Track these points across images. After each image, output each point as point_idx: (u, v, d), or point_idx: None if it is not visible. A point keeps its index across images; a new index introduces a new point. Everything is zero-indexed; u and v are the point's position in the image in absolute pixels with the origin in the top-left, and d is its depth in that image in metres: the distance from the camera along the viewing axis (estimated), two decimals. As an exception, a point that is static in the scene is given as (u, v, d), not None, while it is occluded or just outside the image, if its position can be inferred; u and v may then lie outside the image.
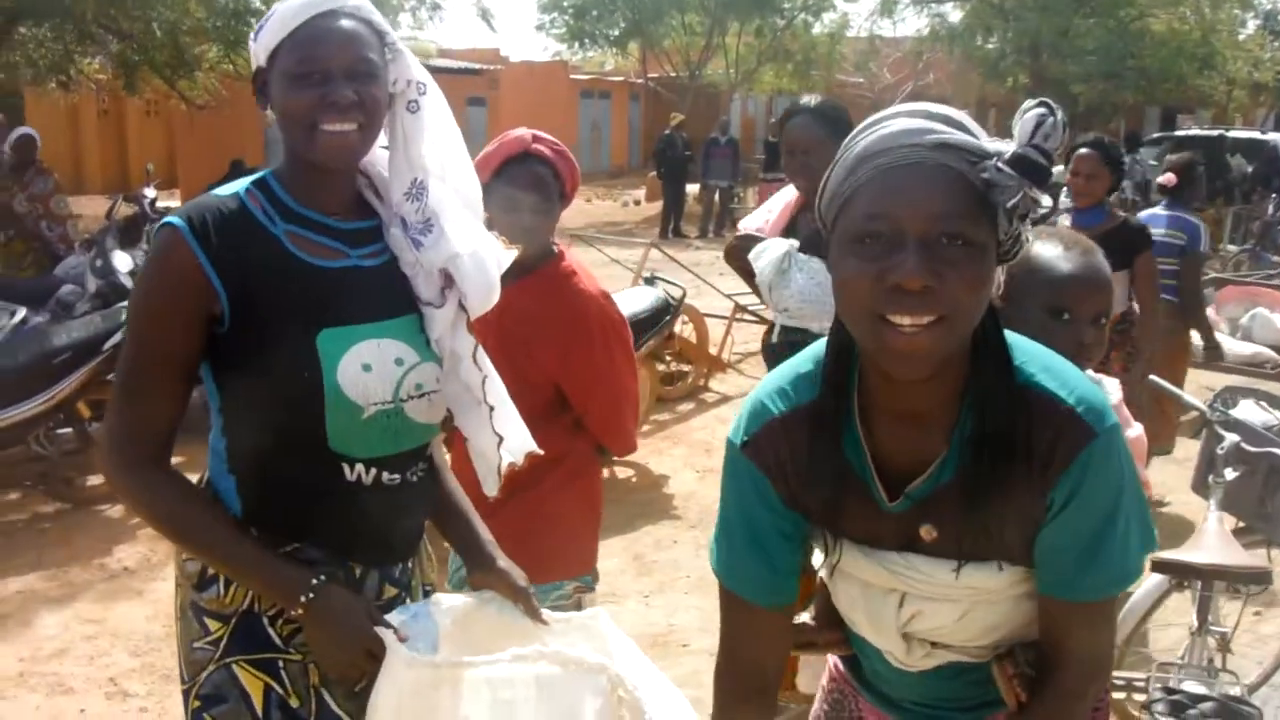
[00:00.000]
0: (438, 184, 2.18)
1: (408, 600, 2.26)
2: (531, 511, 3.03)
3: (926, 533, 1.74)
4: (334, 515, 2.12)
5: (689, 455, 7.71)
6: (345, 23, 2.05)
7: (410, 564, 2.31)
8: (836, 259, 1.61)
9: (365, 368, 2.05)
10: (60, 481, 6.49)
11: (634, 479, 7.34)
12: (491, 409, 2.30)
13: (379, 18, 2.12)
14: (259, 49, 2.09)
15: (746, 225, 4.31)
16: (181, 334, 2.02)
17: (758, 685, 1.96)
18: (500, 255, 2.29)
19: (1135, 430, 2.35)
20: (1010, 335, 1.70)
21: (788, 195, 4.19)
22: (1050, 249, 2.25)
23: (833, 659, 2.19)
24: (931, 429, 1.69)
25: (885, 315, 1.53)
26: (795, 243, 3.91)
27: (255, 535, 2.08)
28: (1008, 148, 1.55)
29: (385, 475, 2.14)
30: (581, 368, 3.10)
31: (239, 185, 2.12)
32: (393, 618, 2.11)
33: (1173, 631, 4.10)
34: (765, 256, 3.94)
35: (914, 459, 1.71)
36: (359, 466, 2.11)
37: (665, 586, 5.67)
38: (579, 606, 2.84)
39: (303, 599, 2.03)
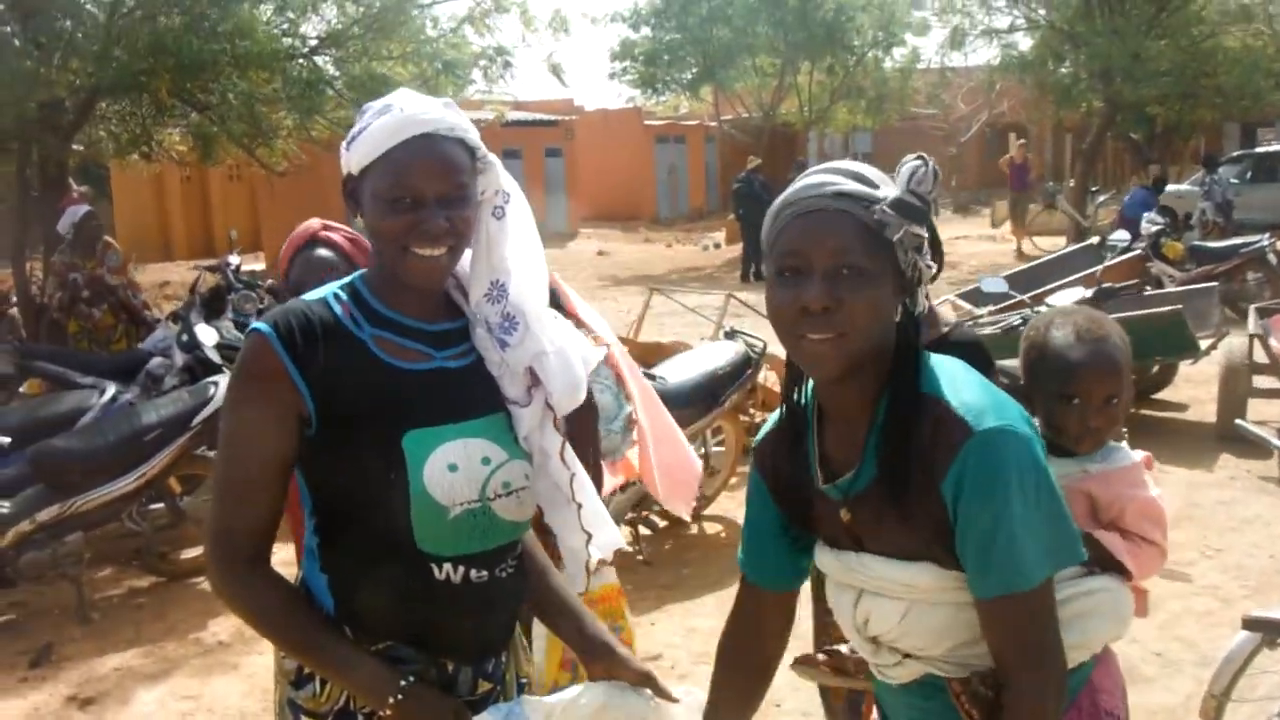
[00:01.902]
0: (518, 285, 2.20)
1: (501, 694, 2.27)
2: None
3: (844, 514, 2.02)
4: (424, 614, 2.13)
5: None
6: (439, 147, 2.07)
7: (504, 658, 2.31)
8: (768, 289, 1.97)
9: (451, 468, 2.07)
10: (154, 556, 6.62)
11: (723, 534, 7.32)
12: (580, 506, 2.31)
13: (473, 135, 2.14)
14: (350, 160, 2.12)
15: None
16: (273, 437, 2.06)
17: (757, 662, 2.36)
18: (587, 352, 2.29)
19: (1155, 491, 2.38)
20: (937, 357, 2.00)
21: None
22: (1062, 336, 2.39)
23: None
24: (856, 432, 2.00)
25: (799, 332, 1.91)
26: None
27: (348, 634, 2.11)
28: (892, 194, 1.90)
29: (474, 573, 2.15)
30: None
31: (327, 290, 2.17)
32: (483, 718, 2.11)
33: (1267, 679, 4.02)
34: None
35: (848, 462, 2.02)
36: (447, 566, 2.12)
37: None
38: None
39: (391, 699, 2.05)
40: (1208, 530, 7.13)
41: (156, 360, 7.60)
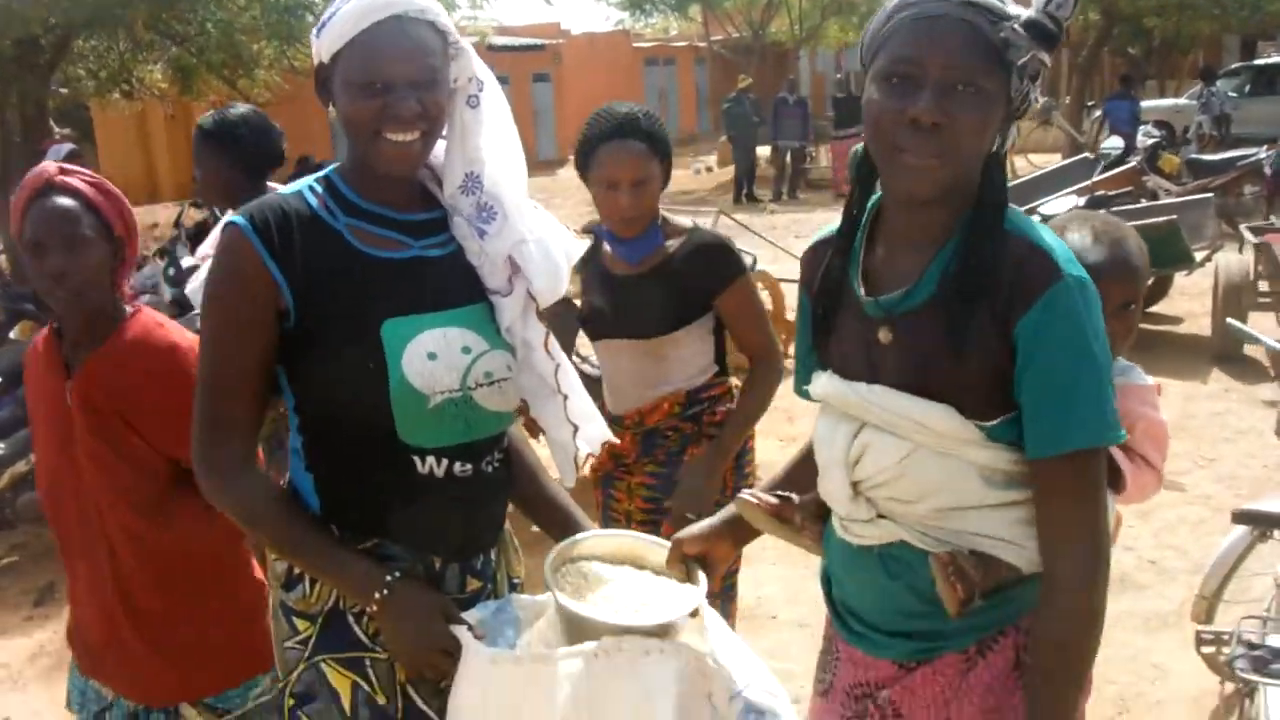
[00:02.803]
0: (494, 175, 2.17)
1: (492, 593, 2.28)
2: (196, 618, 2.70)
3: (884, 335, 1.90)
4: (409, 509, 2.13)
5: (770, 424, 7.39)
6: (409, 29, 2.03)
7: (493, 556, 2.31)
8: (869, 93, 1.84)
9: (430, 356, 2.06)
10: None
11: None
12: (566, 398, 2.30)
13: (443, 18, 2.10)
14: (321, 47, 2.08)
15: None
16: (252, 332, 2.05)
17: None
18: (568, 243, 2.26)
19: (1160, 416, 2.35)
20: (1014, 206, 1.87)
21: None
22: (1079, 238, 2.32)
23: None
24: (921, 254, 1.87)
25: (899, 144, 1.78)
26: None
27: (334, 533, 2.11)
28: (1024, 13, 1.75)
29: (458, 466, 2.14)
30: None
31: (302, 183, 2.15)
32: (471, 615, 2.13)
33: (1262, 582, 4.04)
34: None
35: (898, 281, 1.90)
36: (430, 459, 2.11)
37: (752, 559, 5.56)
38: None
39: (377, 595, 2.05)
40: (1201, 441, 7.17)
41: (145, 298, 7.54)
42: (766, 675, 2.18)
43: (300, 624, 2.17)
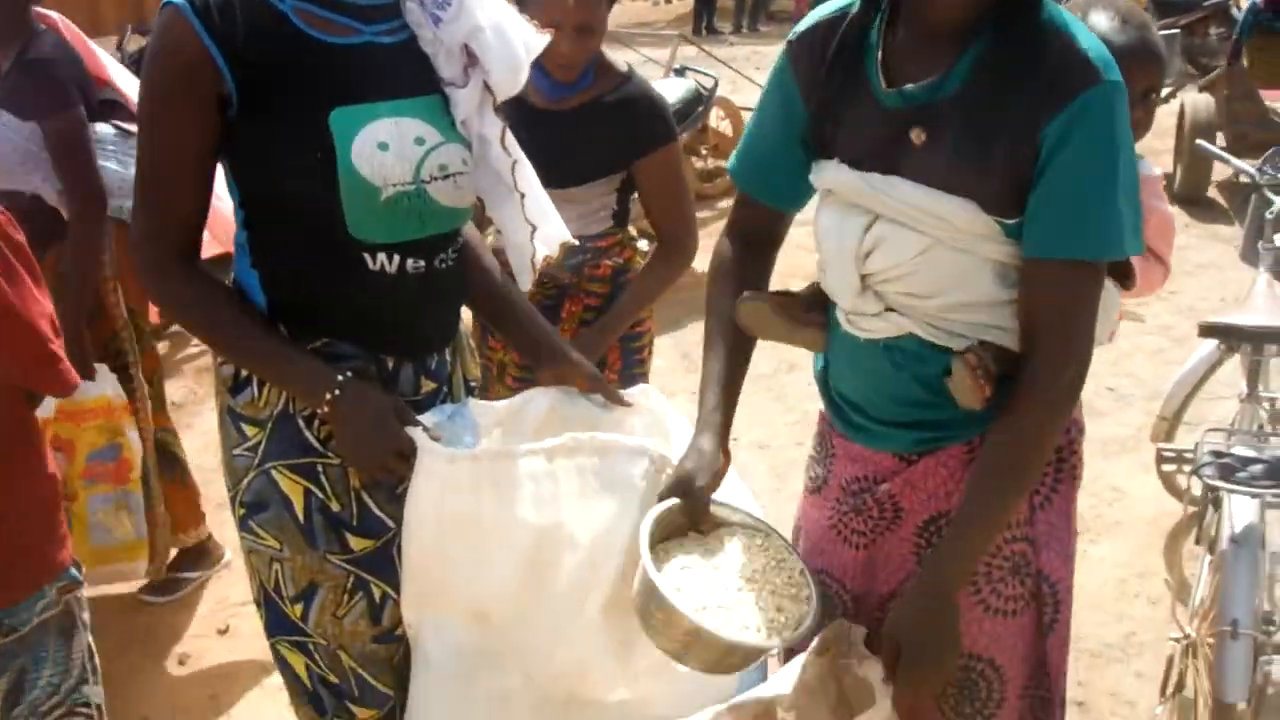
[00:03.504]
0: None
1: (448, 395, 2.23)
2: None
3: (917, 135, 1.78)
4: (360, 307, 2.06)
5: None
6: None
7: (448, 356, 2.25)
8: None
9: (382, 146, 1.96)
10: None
11: (678, 276, 7.24)
12: (523, 196, 2.22)
13: None
14: None
15: None
16: (192, 118, 1.94)
17: (753, 246, 2.12)
18: (528, 35, 2.15)
19: (1167, 208, 2.33)
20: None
21: None
22: (1105, 20, 2.22)
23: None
24: (948, 46, 1.76)
25: None
26: None
27: (283, 332, 2.04)
28: None
29: (411, 263, 2.06)
30: None
31: None
32: (426, 418, 2.07)
33: (1222, 406, 4.06)
34: None
35: (922, 73, 1.78)
36: (381, 255, 2.03)
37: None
38: (72, 609, 2.28)
39: (328, 396, 1.99)
40: (1161, 273, 7.15)
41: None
42: (732, 479, 2.16)
43: (249, 430, 2.11)
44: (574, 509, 1.99)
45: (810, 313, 2.02)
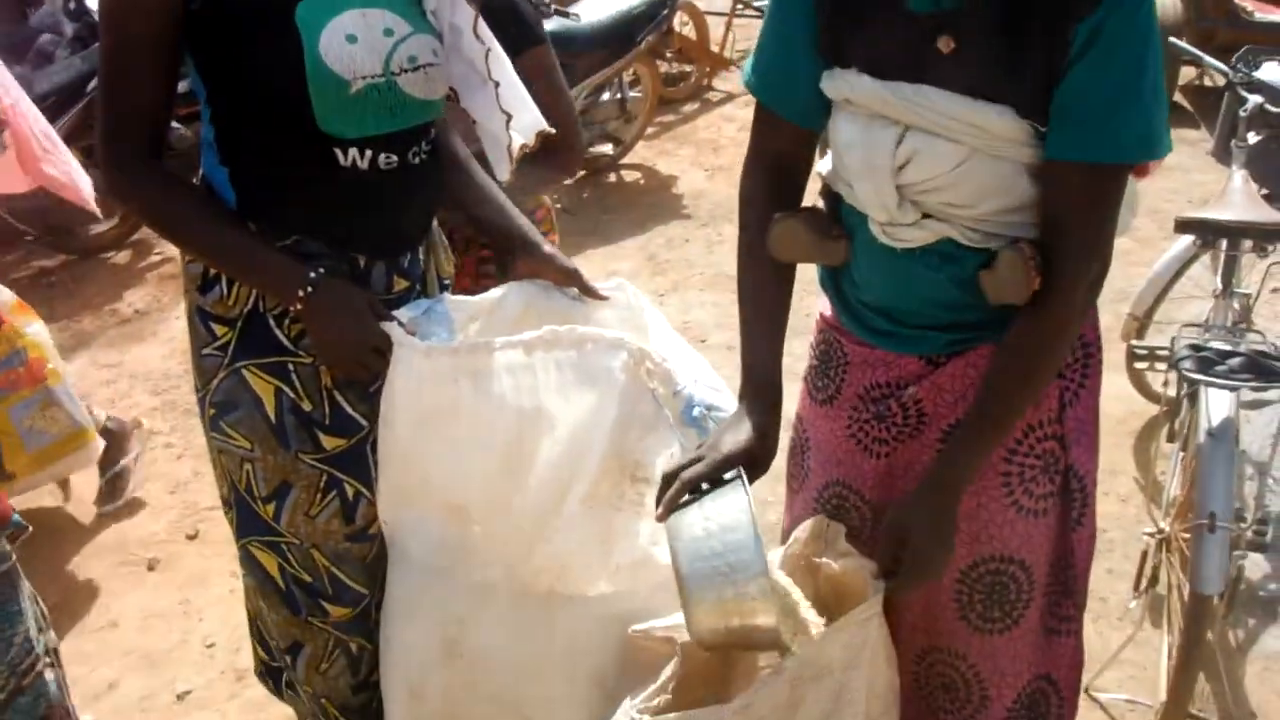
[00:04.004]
0: None
1: (421, 293, 2.19)
2: None
3: (944, 44, 1.67)
4: (330, 203, 2.01)
5: (696, 155, 7.58)
6: None
7: (421, 254, 2.20)
8: None
9: (350, 38, 1.89)
10: (61, 232, 6.35)
11: (642, 181, 7.25)
12: (497, 85, 2.15)
13: None
14: None
15: None
16: (153, 10, 1.86)
17: (784, 175, 1.96)
18: None
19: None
20: None
21: None
22: None
23: (821, 308, 2.08)
24: None
25: None
26: None
27: (253, 229, 1.98)
28: None
29: (383, 158, 2.00)
30: None
31: None
32: (401, 313, 2.04)
33: (1190, 307, 4.04)
34: None
35: None
36: (353, 150, 1.97)
37: (680, 285, 5.71)
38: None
39: (300, 293, 1.95)
40: (1126, 176, 7.16)
41: (46, 36, 7.17)
42: (709, 373, 2.14)
43: (218, 329, 2.06)
44: (552, 402, 1.97)
45: (835, 225, 1.93)
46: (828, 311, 2.06)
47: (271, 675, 2.49)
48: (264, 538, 2.15)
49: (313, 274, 1.95)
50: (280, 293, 1.98)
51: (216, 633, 3.46)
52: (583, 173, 7.07)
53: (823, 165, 1.95)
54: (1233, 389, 2.71)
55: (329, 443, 2.08)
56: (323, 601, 2.18)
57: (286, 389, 2.05)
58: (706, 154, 7.45)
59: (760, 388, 1.89)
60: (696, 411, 2.05)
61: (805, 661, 1.77)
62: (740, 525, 1.67)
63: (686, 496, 1.74)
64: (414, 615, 2.15)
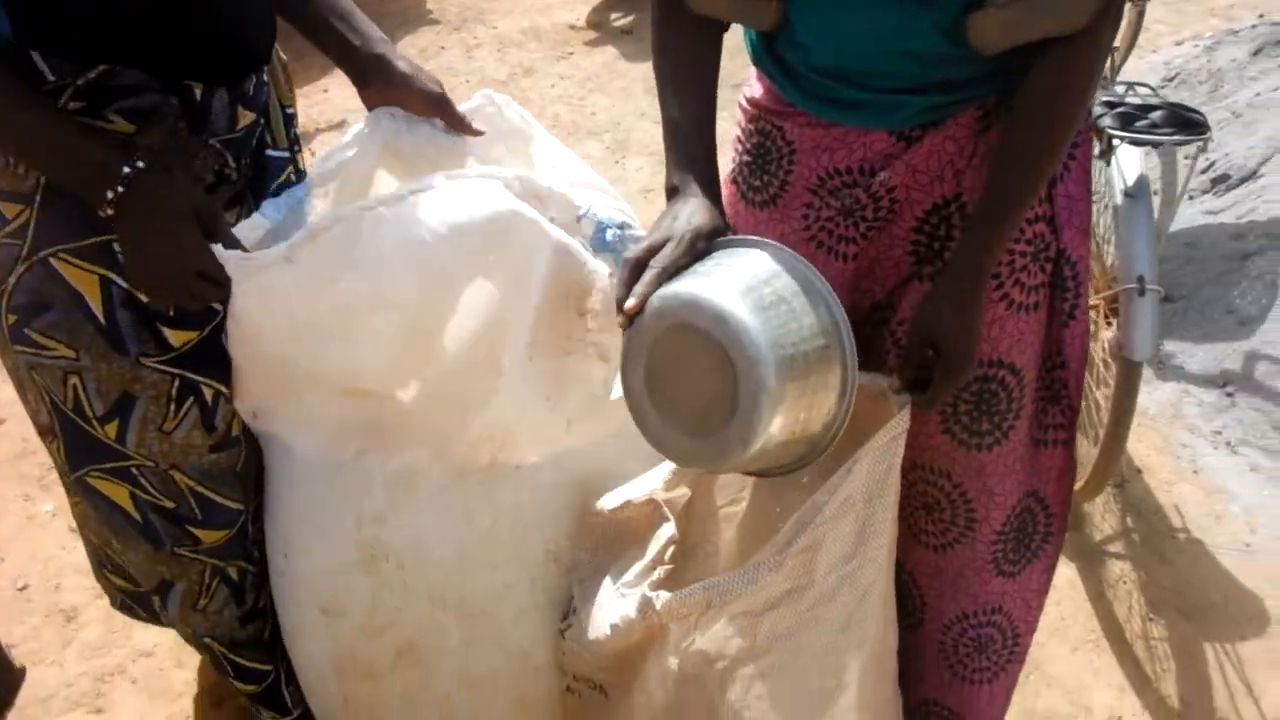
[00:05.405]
0: None
1: (265, 128, 1.79)
2: None
3: None
4: (148, 16, 1.51)
5: None
6: None
7: (265, 77, 1.75)
8: None
9: None
10: None
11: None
12: None
13: None
14: None
15: None
16: None
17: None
18: None
19: None
20: None
21: None
22: None
23: (748, 93, 1.72)
24: None
25: None
26: None
27: (41, 67, 1.48)
28: None
29: None
30: None
31: None
32: (256, 224, 1.67)
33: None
34: None
35: None
36: None
37: (451, 93, 5.23)
38: None
39: (109, 194, 1.48)
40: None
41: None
42: (606, 190, 1.85)
43: (9, 209, 1.58)
44: (451, 262, 1.61)
45: None
46: (758, 94, 1.70)
47: (139, 601, 2.14)
48: (106, 465, 1.75)
49: (127, 168, 1.48)
50: (84, 188, 1.51)
51: (25, 571, 2.89)
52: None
53: None
54: (1155, 144, 2.47)
55: (177, 338, 1.68)
56: (191, 528, 1.83)
57: (115, 276, 1.61)
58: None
59: (694, 159, 1.51)
60: (610, 235, 1.78)
61: (823, 500, 1.50)
62: (793, 269, 1.36)
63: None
64: (314, 520, 1.81)
